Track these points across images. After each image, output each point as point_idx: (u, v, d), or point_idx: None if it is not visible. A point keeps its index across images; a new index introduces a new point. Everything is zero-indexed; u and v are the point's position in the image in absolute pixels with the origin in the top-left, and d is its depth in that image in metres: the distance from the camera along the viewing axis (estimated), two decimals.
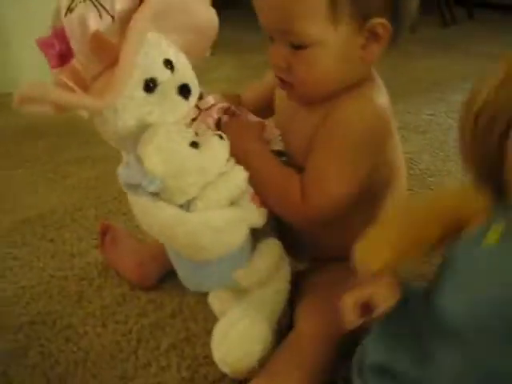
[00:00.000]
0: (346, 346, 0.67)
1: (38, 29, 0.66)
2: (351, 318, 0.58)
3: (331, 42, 0.66)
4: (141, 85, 0.65)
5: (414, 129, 1.61)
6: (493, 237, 0.53)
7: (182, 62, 0.69)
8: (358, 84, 0.71)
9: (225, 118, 0.74)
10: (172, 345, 0.77)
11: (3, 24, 1.64)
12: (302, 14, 0.64)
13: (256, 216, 0.68)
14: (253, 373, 0.66)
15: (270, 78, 0.83)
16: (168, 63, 0.67)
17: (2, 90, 1.69)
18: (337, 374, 0.69)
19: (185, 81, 0.68)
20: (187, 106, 0.69)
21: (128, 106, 0.64)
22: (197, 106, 0.73)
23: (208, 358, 0.72)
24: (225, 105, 0.75)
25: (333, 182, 0.68)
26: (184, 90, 0.67)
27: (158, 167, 0.62)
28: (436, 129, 1.61)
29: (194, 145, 0.65)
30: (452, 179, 1.26)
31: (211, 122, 0.73)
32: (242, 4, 3.18)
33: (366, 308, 0.58)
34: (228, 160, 0.68)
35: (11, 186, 1.12)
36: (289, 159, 0.76)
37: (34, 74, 1.70)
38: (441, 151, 1.44)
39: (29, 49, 1.65)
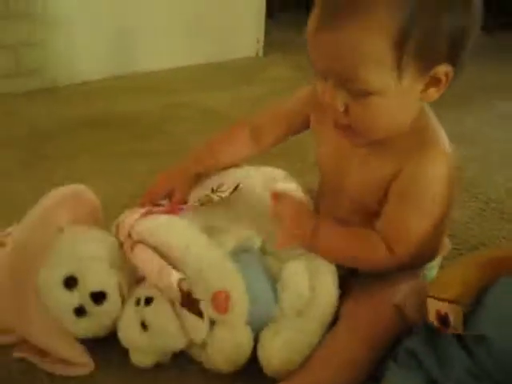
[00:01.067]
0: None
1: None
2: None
3: (394, 92, 0.65)
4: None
5: (460, 139, 1.62)
6: None
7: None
8: (421, 130, 0.73)
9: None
10: None
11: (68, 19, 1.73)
12: (368, 63, 0.63)
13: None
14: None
15: (298, 102, 0.86)
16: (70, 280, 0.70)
17: (67, 81, 1.80)
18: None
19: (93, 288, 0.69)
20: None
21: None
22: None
23: None
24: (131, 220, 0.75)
25: (415, 232, 0.72)
26: (97, 297, 0.69)
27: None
28: (482, 138, 1.61)
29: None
30: None
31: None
32: (292, 6, 3.23)
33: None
34: None
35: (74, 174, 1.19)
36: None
37: (94, 66, 1.81)
38: None
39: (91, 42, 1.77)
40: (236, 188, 0.80)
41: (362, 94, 0.66)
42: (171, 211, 0.78)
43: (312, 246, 0.75)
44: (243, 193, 0.81)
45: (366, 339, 0.69)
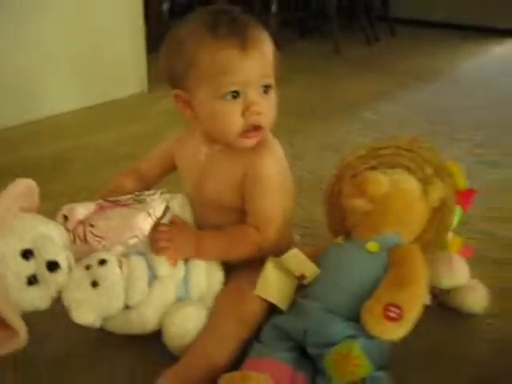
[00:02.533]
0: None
1: None
2: None
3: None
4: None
5: (329, 147, 1.81)
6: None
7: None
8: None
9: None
10: None
11: None
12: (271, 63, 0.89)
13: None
14: None
15: (165, 149, 1.05)
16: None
17: None
18: None
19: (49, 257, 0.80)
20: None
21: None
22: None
23: None
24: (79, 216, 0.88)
25: (275, 216, 0.93)
26: (52, 266, 0.80)
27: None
28: (350, 147, 1.79)
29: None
30: None
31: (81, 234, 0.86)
32: None
33: None
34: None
35: None
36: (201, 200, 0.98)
37: None
38: None
39: None
40: (166, 210, 0.94)
41: (267, 91, 0.89)
42: (118, 205, 0.91)
43: (199, 257, 0.91)
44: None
45: (235, 318, 0.87)
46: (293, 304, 0.89)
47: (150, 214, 0.87)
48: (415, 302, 0.80)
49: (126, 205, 0.91)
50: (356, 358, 0.75)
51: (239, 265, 0.95)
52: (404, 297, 0.79)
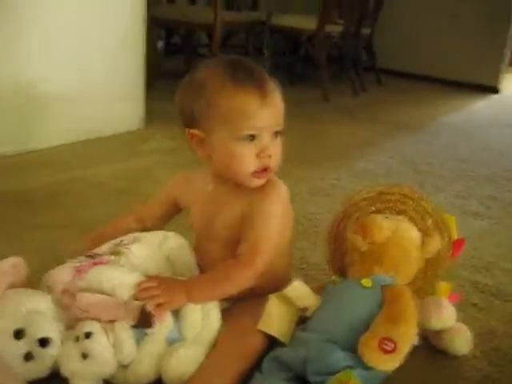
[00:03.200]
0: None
1: None
2: None
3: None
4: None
5: (320, 192, 1.89)
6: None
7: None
8: None
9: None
10: None
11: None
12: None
13: None
14: None
15: (166, 192, 1.14)
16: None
17: None
18: None
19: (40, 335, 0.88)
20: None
21: None
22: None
23: None
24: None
25: (265, 246, 0.97)
26: (44, 342, 0.88)
27: None
28: (339, 192, 1.89)
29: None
30: None
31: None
32: (172, 76, 3.48)
33: None
34: None
35: None
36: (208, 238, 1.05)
37: None
38: None
39: None
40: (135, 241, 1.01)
41: (276, 136, 0.98)
42: (95, 264, 0.96)
43: (192, 302, 0.95)
44: (143, 254, 1.02)
45: (237, 353, 0.92)
46: (292, 338, 0.96)
47: (125, 304, 0.90)
48: (408, 337, 0.88)
49: (102, 262, 0.97)
50: None
51: (240, 297, 1.00)
52: (398, 332, 0.87)
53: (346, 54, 3.70)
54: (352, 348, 0.88)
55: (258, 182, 0.99)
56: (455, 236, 1.12)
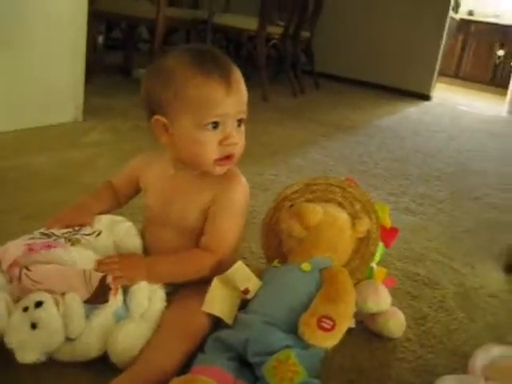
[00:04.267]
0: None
1: None
2: None
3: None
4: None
5: (259, 187, 1.93)
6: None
7: None
8: None
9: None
10: None
11: None
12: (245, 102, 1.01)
13: None
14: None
15: (134, 164, 1.14)
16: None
17: None
18: None
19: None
20: None
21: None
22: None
23: None
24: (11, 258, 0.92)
25: (231, 238, 1.02)
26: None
27: None
28: (277, 187, 1.93)
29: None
30: None
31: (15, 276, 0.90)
32: (111, 70, 3.45)
33: None
34: None
35: None
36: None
37: None
38: None
39: None
40: (99, 234, 1.03)
41: (240, 125, 1.00)
42: (49, 246, 0.95)
43: (151, 280, 0.97)
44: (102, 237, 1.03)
45: (183, 334, 0.94)
46: (234, 320, 0.98)
47: (84, 273, 0.90)
48: (346, 314, 0.92)
49: (56, 246, 0.96)
50: (293, 365, 0.85)
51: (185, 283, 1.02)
52: (336, 310, 0.91)
53: (285, 55, 3.76)
54: (292, 330, 0.91)
55: (220, 169, 1.01)
56: (388, 224, 1.17)
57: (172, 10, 3.31)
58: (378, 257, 1.22)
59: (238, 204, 1.03)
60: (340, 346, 1.05)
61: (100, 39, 3.53)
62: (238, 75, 1.00)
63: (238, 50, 4.26)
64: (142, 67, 3.62)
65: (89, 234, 1.02)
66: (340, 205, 1.12)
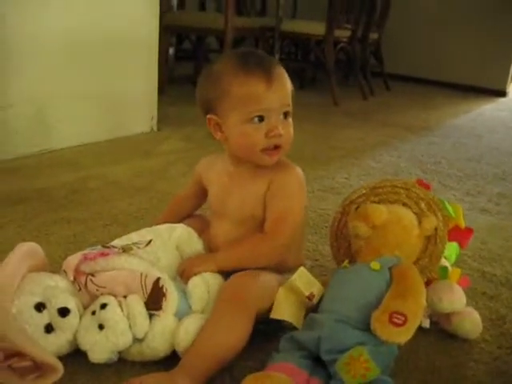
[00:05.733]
0: None
1: None
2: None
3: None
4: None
5: (331, 190, 1.94)
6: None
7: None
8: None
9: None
10: None
11: None
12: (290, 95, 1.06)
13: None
14: None
15: (197, 168, 1.22)
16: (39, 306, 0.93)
17: None
18: None
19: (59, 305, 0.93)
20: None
21: None
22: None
23: None
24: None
25: (289, 217, 1.05)
26: (63, 312, 0.93)
27: None
28: (348, 190, 1.93)
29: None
30: None
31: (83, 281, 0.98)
32: (182, 81, 3.55)
33: None
34: None
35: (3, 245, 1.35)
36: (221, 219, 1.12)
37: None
38: None
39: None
40: (149, 243, 1.08)
41: (286, 117, 1.05)
42: (103, 254, 1.01)
43: (220, 269, 1.04)
44: (157, 245, 1.09)
45: (237, 307, 0.96)
46: (306, 320, 1.00)
47: (141, 276, 0.96)
48: (417, 310, 0.92)
49: (109, 253, 1.02)
50: (365, 362, 0.86)
51: None
52: (407, 306, 0.91)
53: (354, 58, 3.75)
54: (364, 327, 0.93)
55: (269, 159, 1.05)
56: (462, 224, 1.16)
57: (240, 20, 3.37)
58: (453, 257, 1.21)
59: (292, 186, 1.07)
60: (415, 346, 1.06)
61: (171, 51, 3.63)
62: (279, 71, 1.05)
63: (306, 56, 4.28)
64: None
65: (139, 244, 1.08)
66: (405, 205, 1.13)
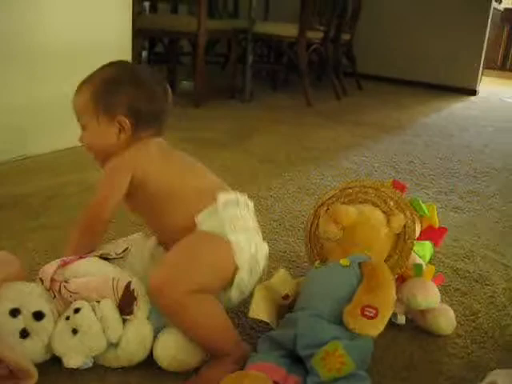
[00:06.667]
0: None
1: None
2: None
3: (96, 129, 1.12)
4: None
5: (306, 191, 1.96)
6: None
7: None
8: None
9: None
10: None
11: None
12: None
13: None
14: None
15: None
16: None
17: None
18: None
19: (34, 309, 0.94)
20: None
21: None
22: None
23: None
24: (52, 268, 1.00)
25: (100, 192, 1.11)
26: (38, 315, 0.94)
27: None
28: (323, 190, 1.95)
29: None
30: None
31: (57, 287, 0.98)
32: None
33: None
34: None
35: None
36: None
37: None
38: None
39: None
40: (125, 250, 1.10)
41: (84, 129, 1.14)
42: (81, 258, 1.03)
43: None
44: (132, 252, 1.11)
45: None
46: (283, 320, 1.02)
47: (113, 280, 0.97)
48: (388, 303, 0.95)
49: (85, 258, 1.04)
50: (341, 357, 0.87)
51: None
52: (378, 300, 0.94)
53: (326, 59, 3.78)
54: (337, 321, 0.94)
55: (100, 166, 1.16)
56: (436, 223, 1.19)
57: (212, 22, 3.38)
58: (428, 256, 1.23)
59: (107, 169, 1.11)
60: (391, 342, 1.08)
61: (144, 54, 3.63)
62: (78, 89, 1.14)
63: (279, 58, 4.31)
64: (185, 80, 3.72)
65: (116, 250, 1.10)
66: (374, 204, 1.16)
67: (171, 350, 0.96)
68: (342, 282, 1.00)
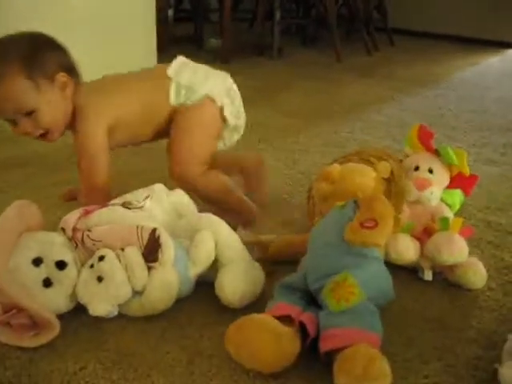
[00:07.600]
0: None
1: None
2: None
3: (43, 102, 1.14)
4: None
5: (335, 144, 1.91)
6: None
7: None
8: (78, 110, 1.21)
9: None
10: None
11: None
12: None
13: None
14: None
15: None
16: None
17: None
18: None
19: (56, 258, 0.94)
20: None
21: None
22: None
23: None
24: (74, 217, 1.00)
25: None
26: (61, 265, 0.93)
27: None
28: (353, 144, 1.91)
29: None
30: None
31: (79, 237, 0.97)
32: (183, 42, 3.50)
33: None
34: None
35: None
36: None
37: None
38: None
39: None
40: (146, 197, 1.08)
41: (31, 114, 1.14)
42: (103, 207, 1.02)
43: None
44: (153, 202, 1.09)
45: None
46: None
47: (137, 228, 0.95)
48: (386, 215, 0.92)
49: (105, 208, 1.02)
50: (350, 287, 0.85)
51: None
52: (376, 213, 0.92)
53: (357, 13, 3.66)
54: (346, 250, 0.92)
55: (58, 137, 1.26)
56: (467, 172, 1.14)
57: None
58: (457, 205, 1.19)
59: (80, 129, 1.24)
60: (419, 295, 1.05)
61: (170, 12, 3.57)
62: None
63: (307, 12, 4.19)
64: (213, 37, 3.65)
65: (137, 199, 1.08)
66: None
67: (240, 286, 0.97)
68: (341, 216, 0.97)
